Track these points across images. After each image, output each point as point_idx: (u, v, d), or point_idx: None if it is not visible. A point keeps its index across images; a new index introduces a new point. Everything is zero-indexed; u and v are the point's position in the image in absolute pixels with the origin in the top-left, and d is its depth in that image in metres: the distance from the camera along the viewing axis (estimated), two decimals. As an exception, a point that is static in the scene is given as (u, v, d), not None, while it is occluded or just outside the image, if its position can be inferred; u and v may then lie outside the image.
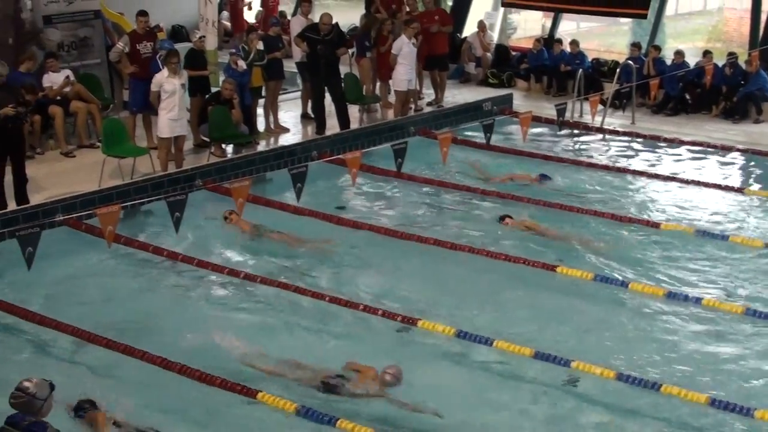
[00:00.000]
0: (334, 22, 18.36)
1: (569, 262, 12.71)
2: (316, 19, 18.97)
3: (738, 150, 18.09)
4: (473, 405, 9.69)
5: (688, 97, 21.13)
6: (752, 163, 17.56)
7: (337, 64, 18.68)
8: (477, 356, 10.58)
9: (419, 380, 9.83)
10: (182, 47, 18.18)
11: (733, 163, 17.60)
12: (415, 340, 10.87)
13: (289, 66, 19.79)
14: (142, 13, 17.31)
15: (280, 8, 26.66)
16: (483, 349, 10.53)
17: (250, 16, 27.21)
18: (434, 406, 9.32)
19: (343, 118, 18.55)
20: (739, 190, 15.89)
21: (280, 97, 19.34)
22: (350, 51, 20.35)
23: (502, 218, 14.23)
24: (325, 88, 18.51)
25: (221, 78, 18.02)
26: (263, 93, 18.59)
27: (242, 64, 17.38)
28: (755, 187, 16.15)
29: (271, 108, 18.87)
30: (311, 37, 18.24)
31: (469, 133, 18.15)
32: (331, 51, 18.15)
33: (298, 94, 20.53)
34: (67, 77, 17.41)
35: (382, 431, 9.02)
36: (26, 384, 7.62)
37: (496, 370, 10.35)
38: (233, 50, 17.75)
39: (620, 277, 12.32)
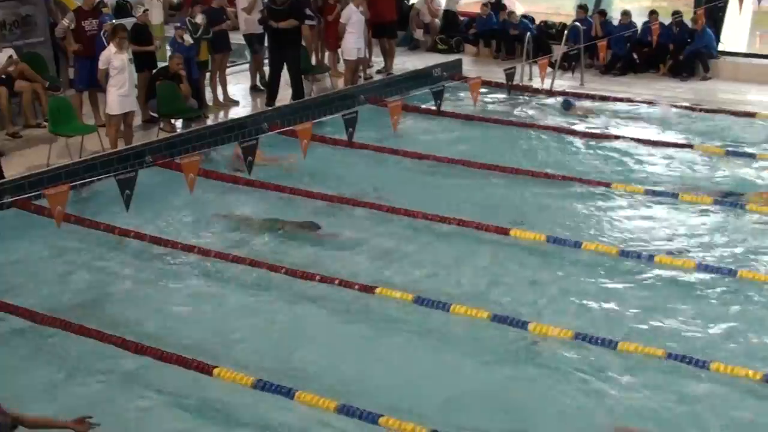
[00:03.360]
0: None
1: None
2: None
3: (686, 107, 18.24)
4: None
5: (635, 56, 21.25)
6: (699, 120, 17.69)
7: (296, 37, 18.36)
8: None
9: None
10: (127, 22, 17.93)
11: (681, 121, 17.69)
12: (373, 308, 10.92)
13: (237, 38, 19.65)
14: (90, -11, 17.08)
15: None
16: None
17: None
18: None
19: (298, 90, 18.40)
20: (688, 146, 16.03)
21: (228, 70, 19.20)
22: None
23: None
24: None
25: (168, 53, 17.85)
26: (210, 66, 18.44)
27: (188, 38, 17.20)
28: (702, 143, 16.29)
29: (220, 81, 18.74)
30: (270, 8, 18.11)
31: (420, 100, 18.15)
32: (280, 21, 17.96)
33: (246, 66, 20.42)
34: (11, 56, 17.11)
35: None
36: None
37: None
38: (179, 24, 17.56)
39: (573, 239, 12.41)
